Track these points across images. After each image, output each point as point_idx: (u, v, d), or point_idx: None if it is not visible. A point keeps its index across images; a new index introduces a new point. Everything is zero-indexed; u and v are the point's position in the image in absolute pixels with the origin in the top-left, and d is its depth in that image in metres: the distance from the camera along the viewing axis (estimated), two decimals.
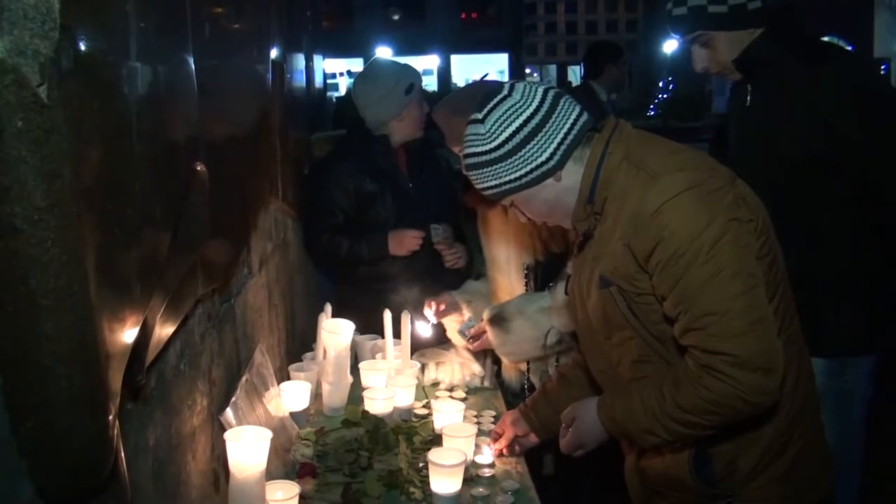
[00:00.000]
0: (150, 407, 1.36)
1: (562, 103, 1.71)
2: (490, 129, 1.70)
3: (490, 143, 1.70)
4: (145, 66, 1.14)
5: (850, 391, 2.22)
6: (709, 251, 1.53)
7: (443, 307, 2.73)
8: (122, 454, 1.08)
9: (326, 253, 3.23)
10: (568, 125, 1.69)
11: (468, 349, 2.67)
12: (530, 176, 1.70)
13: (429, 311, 2.73)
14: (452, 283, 2.90)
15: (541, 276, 2.53)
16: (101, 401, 0.97)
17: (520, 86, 1.75)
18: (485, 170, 1.74)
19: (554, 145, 1.68)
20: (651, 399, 1.66)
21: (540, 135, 1.68)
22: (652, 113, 26.92)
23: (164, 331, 1.36)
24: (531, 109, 1.68)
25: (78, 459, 0.95)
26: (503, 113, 1.70)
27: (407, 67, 3.18)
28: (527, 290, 2.58)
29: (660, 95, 27.26)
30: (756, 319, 1.53)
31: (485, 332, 2.57)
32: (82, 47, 0.92)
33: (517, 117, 1.68)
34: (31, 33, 0.82)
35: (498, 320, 2.50)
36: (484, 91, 2.18)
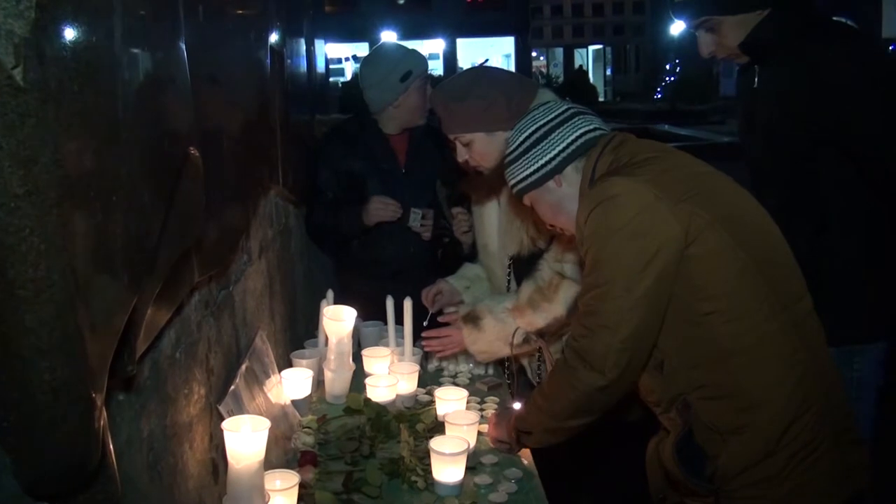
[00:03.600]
0: (143, 397, 1.33)
1: (576, 119, 1.89)
2: (514, 133, 1.95)
3: (512, 144, 1.94)
4: (132, 49, 1.10)
5: (860, 380, 2.17)
6: (610, 250, 1.66)
7: (439, 295, 2.71)
8: (111, 446, 1.06)
9: (315, 226, 3.24)
10: (573, 136, 1.86)
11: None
12: (533, 177, 1.89)
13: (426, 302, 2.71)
14: (454, 269, 2.87)
15: (524, 268, 2.52)
16: (85, 393, 0.94)
17: (551, 102, 1.99)
18: (508, 168, 1.96)
19: (555, 151, 1.86)
20: (534, 393, 1.93)
21: (545, 140, 1.87)
22: (659, 96, 26.85)
23: (156, 319, 1.34)
24: (545, 120, 1.89)
25: (63, 454, 0.93)
26: (526, 121, 1.93)
27: (409, 55, 3.13)
28: (508, 281, 2.59)
29: (667, 78, 27.16)
30: (609, 325, 1.66)
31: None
32: (61, 28, 0.88)
33: (533, 125, 1.90)
34: (5, 13, 0.78)
35: (471, 318, 2.51)
36: (479, 75, 2.22)
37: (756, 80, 2.32)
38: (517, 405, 2.19)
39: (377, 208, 3.03)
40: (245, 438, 1.62)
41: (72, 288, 0.90)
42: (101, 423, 1.00)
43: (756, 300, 1.64)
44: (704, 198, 1.68)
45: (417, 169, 3.15)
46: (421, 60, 3.13)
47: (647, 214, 1.63)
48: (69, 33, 0.90)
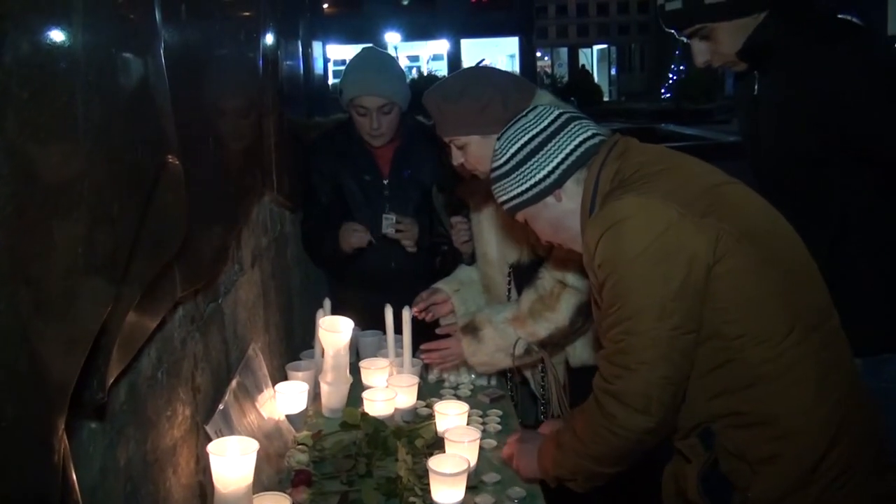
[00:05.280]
0: (119, 423, 1.25)
1: (572, 125, 1.75)
2: (502, 145, 1.79)
3: (500, 158, 1.78)
4: (97, 52, 1.01)
5: (888, 391, 2.06)
6: (634, 278, 1.52)
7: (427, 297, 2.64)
8: (75, 482, 0.97)
9: (306, 239, 3.13)
10: (572, 146, 1.72)
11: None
12: (530, 192, 1.74)
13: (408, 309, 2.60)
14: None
15: (524, 276, 2.43)
16: (40, 430, 0.86)
17: (540, 108, 1.82)
18: (497, 184, 1.80)
19: (553, 163, 1.72)
20: (565, 433, 1.74)
21: (541, 152, 1.72)
22: (665, 95, 26.75)
23: (133, 339, 1.26)
24: (539, 128, 1.74)
25: (19, 496, 0.84)
26: (514, 131, 1.77)
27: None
28: (509, 289, 2.50)
29: (672, 77, 27.06)
30: (646, 360, 1.51)
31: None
32: (9, 29, 0.80)
33: (524, 135, 1.75)
34: None
35: (470, 329, 2.42)
36: (474, 75, 2.12)
37: (756, 87, 2.21)
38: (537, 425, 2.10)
39: (346, 238, 2.93)
40: (232, 462, 1.55)
41: (23, 316, 0.81)
42: (62, 457, 0.92)
43: (787, 321, 1.52)
44: (727, 211, 1.56)
45: (402, 179, 3.04)
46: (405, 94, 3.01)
47: (670, 234, 1.50)
48: (16, 34, 0.81)
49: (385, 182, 3.04)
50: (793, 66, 2.07)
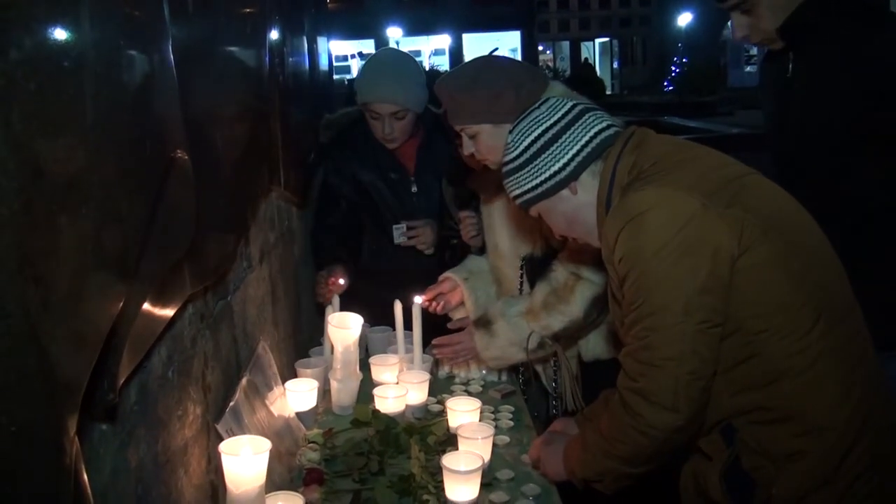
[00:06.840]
0: (129, 424, 1.22)
1: (586, 117, 1.72)
2: (514, 138, 1.75)
3: (513, 151, 1.75)
4: (104, 44, 0.99)
5: None
6: (658, 272, 1.48)
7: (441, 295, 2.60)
8: (87, 485, 0.95)
9: (315, 249, 3.10)
10: (587, 137, 1.69)
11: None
12: (545, 186, 1.71)
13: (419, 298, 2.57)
14: None
15: (537, 269, 2.39)
16: (52, 434, 0.83)
17: (553, 99, 1.78)
18: (510, 178, 1.77)
19: (568, 156, 1.69)
20: (590, 434, 1.71)
21: (556, 145, 1.69)
22: (667, 88, 26.67)
23: (143, 339, 1.23)
24: (552, 120, 1.71)
25: (30, 502, 0.82)
26: (527, 123, 1.74)
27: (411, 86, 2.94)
28: (521, 282, 2.46)
29: (674, 70, 26.97)
30: (673, 356, 1.47)
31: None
32: (12, 19, 0.77)
33: (538, 127, 1.71)
34: None
35: (483, 323, 2.38)
36: (486, 64, 2.04)
37: (790, 67, 2.17)
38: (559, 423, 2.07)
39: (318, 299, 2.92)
40: (244, 462, 1.52)
41: (32, 317, 0.79)
42: (74, 459, 0.90)
43: (812, 315, 1.48)
44: (751, 203, 1.52)
45: (428, 175, 2.99)
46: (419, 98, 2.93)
47: (694, 226, 1.46)
48: (23, 26, 0.79)
49: (412, 179, 3.01)
50: (830, 48, 2.03)
